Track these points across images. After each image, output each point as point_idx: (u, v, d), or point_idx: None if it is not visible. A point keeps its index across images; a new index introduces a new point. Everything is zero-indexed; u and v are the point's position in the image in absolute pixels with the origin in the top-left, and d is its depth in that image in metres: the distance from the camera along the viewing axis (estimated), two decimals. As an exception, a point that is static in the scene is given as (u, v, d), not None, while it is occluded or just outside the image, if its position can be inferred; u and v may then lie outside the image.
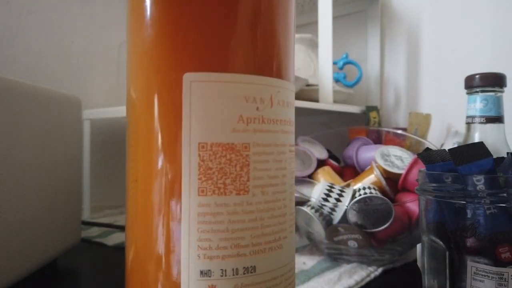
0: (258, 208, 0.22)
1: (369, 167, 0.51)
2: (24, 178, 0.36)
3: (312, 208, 0.46)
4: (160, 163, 0.21)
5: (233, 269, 0.21)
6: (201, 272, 0.21)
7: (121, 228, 0.64)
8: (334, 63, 0.82)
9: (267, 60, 0.23)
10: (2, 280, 0.32)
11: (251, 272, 0.21)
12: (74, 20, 0.79)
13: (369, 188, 0.47)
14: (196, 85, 0.21)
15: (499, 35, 0.73)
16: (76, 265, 0.47)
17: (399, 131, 0.62)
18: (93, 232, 0.61)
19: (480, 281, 0.27)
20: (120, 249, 0.53)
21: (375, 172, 0.49)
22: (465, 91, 0.40)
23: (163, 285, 0.21)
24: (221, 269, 0.21)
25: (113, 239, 0.57)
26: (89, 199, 0.73)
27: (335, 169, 0.55)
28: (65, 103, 0.44)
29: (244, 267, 0.21)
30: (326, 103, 0.70)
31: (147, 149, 0.22)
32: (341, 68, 0.84)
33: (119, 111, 0.67)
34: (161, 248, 0.21)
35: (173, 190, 0.21)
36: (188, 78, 0.21)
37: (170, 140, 0.21)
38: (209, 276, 0.21)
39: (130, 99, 0.23)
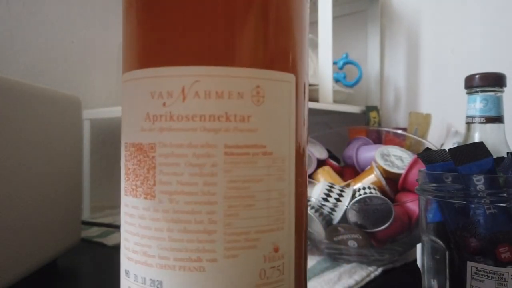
0: (165, 217, 0.19)
1: (369, 167, 0.51)
2: (24, 178, 0.36)
3: (312, 208, 0.46)
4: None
5: (142, 277, 0.20)
6: (125, 271, 0.21)
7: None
8: (334, 63, 0.82)
9: (175, 46, 0.19)
10: (2, 280, 0.32)
11: (158, 287, 0.19)
12: (74, 20, 0.79)
13: (369, 188, 0.47)
14: (124, 85, 0.21)
15: (499, 35, 0.73)
16: (76, 265, 0.47)
17: (399, 131, 0.62)
18: (93, 232, 0.61)
19: (480, 281, 0.27)
20: (120, 249, 0.53)
21: (375, 172, 0.49)
22: (465, 91, 0.40)
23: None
24: (134, 274, 0.20)
25: (113, 239, 0.57)
26: (89, 199, 0.73)
27: (335, 169, 0.55)
28: (65, 103, 0.44)
29: (150, 279, 0.19)
30: (326, 103, 0.70)
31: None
32: (341, 68, 0.84)
33: (119, 111, 0.67)
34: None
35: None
36: (122, 78, 0.21)
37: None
38: (129, 277, 0.20)
39: None
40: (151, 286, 0.19)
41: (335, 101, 0.75)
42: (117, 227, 0.64)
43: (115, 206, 0.81)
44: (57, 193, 0.41)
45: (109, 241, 0.56)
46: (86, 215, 0.71)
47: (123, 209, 0.21)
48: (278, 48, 0.20)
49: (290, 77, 0.21)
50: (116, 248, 0.54)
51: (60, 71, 0.77)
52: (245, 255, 0.19)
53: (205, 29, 0.19)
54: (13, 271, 0.34)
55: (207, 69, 0.19)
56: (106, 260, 0.50)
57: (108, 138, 0.84)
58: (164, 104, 0.19)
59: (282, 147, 0.20)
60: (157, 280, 0.19)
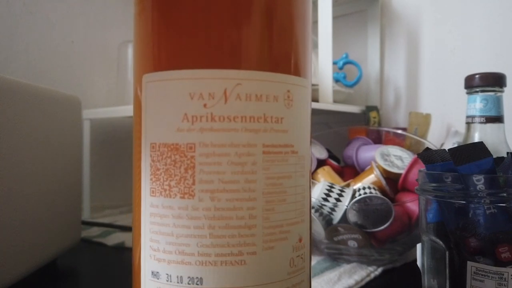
0: (206, 215, 0.19)
1: (369, 167, 0.51)
2: (24, 178, 0.36)
3: (312, 207, 0.46)
4: (135, 161, 0.22)
5: (177, 276, 0.20)
6: (152, 273, 0.21)
7: (121, 228, 0.64)
8: (334, 63, 0.82)
9: (218, 50, 0.20)
10: (2, 280, 0.32)
11: (197, 284, 0.20)
12: (74, 20, 0.79)
13: (369, 188, 0.47)
14: (150, 86, 0.21)
15: (499, 35, 0.73)
16: (76, 265, 0.47)
17: (399, 131, 0.62)
18: (93, 232, 0.61)
19: (480, 281, 0.27)
20: (120, 249, 0.53)
21: (375, 172, 0.49)
22: (465, 91, 0.40)
23: (135, 281, 0.22)
24: (167, 274, 0.20)
25: (113, 239, 0.57)
26: (89, 199, 0.73)
27: (335, 169, 0.55)
28: (65, 103, 0.44)
29: (189, 277, 0.20)
30: (326, 103, 0.70)
31: (134, 147, 0.23)
32: (341, 68, 0.84)
33: (119, 111, 0.67)
34: (134, 244, 0.22)
35: (139, 188, 0.21)
36: (145, 79, 0.21)
37: (138, 140, 0.22)
38: (158, 278, 0.20)
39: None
40: (189, 284, 0.20)
41: (335, 101, 0.75)
42: (117, 227, 0.64)
43: (115, 206, 0.81)
44: (57, 193, 0.41)
45: (109, 241, 0.56)
46: (86, 215, 0.71)
47: (148, 210, 0.21)
48: (299, 56, 0.23)
49: (307, 82, 0.23)
50: (116, 248, 0.54)
51: (60, 71, 0.77)
52: (279, 246, 0.21)
53: (250, 36, 0.20)
54: (13, 271, 0.34)
55: (249, 73, 0.20)
56: (106, 260, 0.50)
57: (108, 138, 0.84)
58: (205, 105, 0.20)
59: (304, 146, 0.22)
60: (197, 277, 0.20)
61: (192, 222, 0.20)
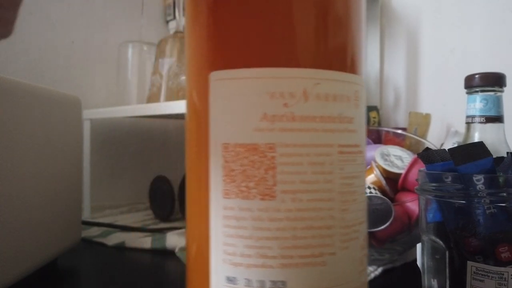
0: (288, 216, 0.19)
1: (369, 166, 0.51)
2: (24, 178, 0.36)
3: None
4: (196, 163, 0.21)
5: (259, 281, 0.19)
6: (227, 278, 0.20)
7: (121, 228, 0.64)
8: (334, 63, 0.82)
9: (298, 48, 0.20)
10: (2, 280, 0.33)
11: (280, 287, 0.19)
12: (74, 20, 0.79)
13: (369, 187, 0.47)
14: (220, 84, 0.20)
15: (499, 35, 0.73)
16: (76, 265, 0.47)
17: (399, 131, 0.62)
18: (93, 232, 0.61)
19: (480, 280, 0.27)
20: (120, 249, 0.53)
21: (375, 172, 0.49)
22: (465, 90, 0.40)
23: (196, 287, 0.21)
24: (246, 279, 0.19)
25: (113, 239, 0.57)
26: (89, 199, 0.73)
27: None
28: (65, 103, 0.44)
29: (271, 280, 0.19)
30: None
31: (189, 147, 0.22)
32: (341, 68, 0.83)
33: (119, 111, 0.67)
34: (196, 248, 0.21)
35: (205, 190, 0.20)
36: (213, 76, 0.20)
37: (201, 140, 0.21)
38: (235, 284, 0.20)
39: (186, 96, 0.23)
40: (271, 287, 0.19)
41: (335, 101, 0.75)
42: (117, 227, 0.64)
43: (115, 206, 0.81)
44: (57, 193, 0.41)
45: (109, 241, 0.56)
46: (86, 215, 0.71)
47: (220, 213, 0.20)
48: (362, 56, 0.23)
49: (363, 82, 0.23)
50: (116, 248, 0.54)
51: (60, 71, 0.77)
52: (352, 246, 0.21)
53: (329, 35, 0.20)
54: (13, 271, 0.34)
55: (327, 73, 0.20)
56: (106, 260, 0.50)
57: (108, 138, 0.84)
58: (285, 105, 0.19)
59: (363, 146, 0.22)
60: (280, 281, 0.19)
61: (273, 224, 0.19)
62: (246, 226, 0.19)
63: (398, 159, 0.51)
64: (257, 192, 0.19)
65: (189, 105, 0.22)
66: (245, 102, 0.19)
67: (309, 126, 0.19)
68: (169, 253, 0.50)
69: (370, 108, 0.80)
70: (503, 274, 0.27)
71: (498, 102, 0.38)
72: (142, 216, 0.72)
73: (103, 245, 0.55)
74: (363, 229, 0.22)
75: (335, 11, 0.21)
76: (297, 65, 0.19)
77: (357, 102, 0.21)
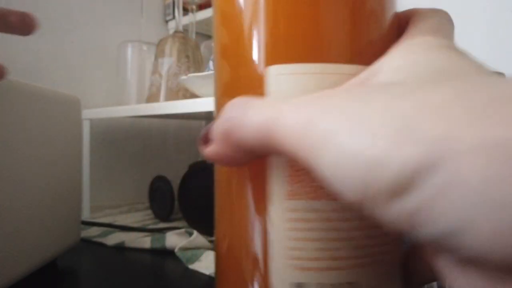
0: (358, 215, 0.18)
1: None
2: (24, 178, 0.36)
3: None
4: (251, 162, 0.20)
5: (331, 284, 0.18)
6: (295, 284, 0.18)
7: (121, 228, 0.64)
8: (334, 63, 0.82)
9: (365, 45, 0.19)
10: (2, 280, 0.33)
11: None
12: (74, 20, 0.79)
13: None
14: (281, 79, 0.19)
15: (499, 35, 0.73)
16: (76, 265, 0.47)
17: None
18: (93, 232, 0.61)
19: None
20: (120, 249, 0.54)
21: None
22: (465, 91, 0.40)
23: None
24: (318, 283, 0.18)
25: (113, 239, 0.57)
26: (89, 199, 0.73)
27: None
28: (65, 103, 0.44)
29: (347, 282, 0.18)
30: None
31: None
32: (340, 68, 0.83)
33: (119, 111, 0.67)
34: (248, 253, 0.20)
35: (264, 191, 0.19)
36: (275, 71, 0.19)
37: None
38: None
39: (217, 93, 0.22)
40: None
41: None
42: (117, 227, 0.64)
43: (115, 206, 0.81)
44: (57, 193, 0.41)
45: (109, 241, 0.56)
46: (85, 215, 0.71)
47: (284, 215, 0.19)
48: None
49: None
50: (116, 248, 0.54)
51: (60, 71, 0.77)
52: (400, 242, 0.21)
53: (383, 33, 0.20)
54: (13, 271, 0.34)
55: None
56: (106, 260, 0.50)
57: (108, 138, 0.84)
58: None
59: None
60: (354, 282, 0.18)
61: (345, 224, 0.18)
62: (315, 228, 0.18)
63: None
64: (324, 192, 0.18)
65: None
66: None
67: None
68: (168, 253, 0.50)
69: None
70: (502, 274, 0.27)
71: (497, 102, 0.38)
72: (142, 216, 0.72)
73: (102, 245, 0.55)
74: None
75: (381, 8, 0.21)
76: (357, 62, 0.19)
77: None
